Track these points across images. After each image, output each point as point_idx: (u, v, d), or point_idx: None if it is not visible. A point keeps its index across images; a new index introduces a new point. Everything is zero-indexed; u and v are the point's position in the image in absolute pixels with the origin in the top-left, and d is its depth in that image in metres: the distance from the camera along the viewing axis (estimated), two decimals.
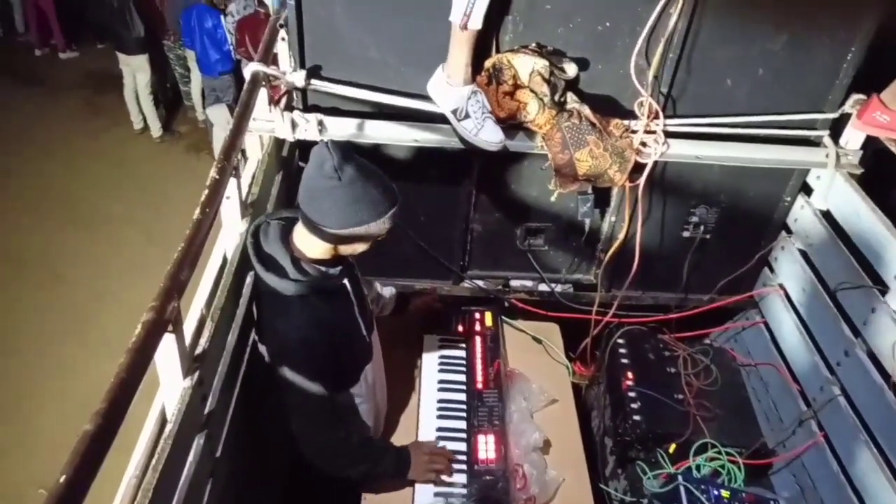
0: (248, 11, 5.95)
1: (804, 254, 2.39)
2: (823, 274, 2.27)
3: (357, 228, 1.54)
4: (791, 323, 2.41)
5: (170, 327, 1.19)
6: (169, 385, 1.30)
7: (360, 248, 1.65)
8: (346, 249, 1.64)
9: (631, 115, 2.16)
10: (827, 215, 2.32)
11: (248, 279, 1.76)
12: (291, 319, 1.62)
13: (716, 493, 1.97)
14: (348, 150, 1.52)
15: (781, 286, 2.50)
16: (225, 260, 1.70)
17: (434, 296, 2.46)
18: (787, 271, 2.48)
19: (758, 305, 2.65)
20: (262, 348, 1.73)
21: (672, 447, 2.15)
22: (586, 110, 2.08)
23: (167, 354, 1.24)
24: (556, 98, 2.04)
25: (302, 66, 2.03)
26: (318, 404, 1.69)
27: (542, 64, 1.98)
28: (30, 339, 4.58)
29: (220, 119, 5.82)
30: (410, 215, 2.34)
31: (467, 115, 1.95)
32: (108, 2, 6.05)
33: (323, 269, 1.66)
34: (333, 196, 1.51)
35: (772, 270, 2.58)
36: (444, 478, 1.94)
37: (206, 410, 1.44)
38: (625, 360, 2.39)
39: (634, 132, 2.15)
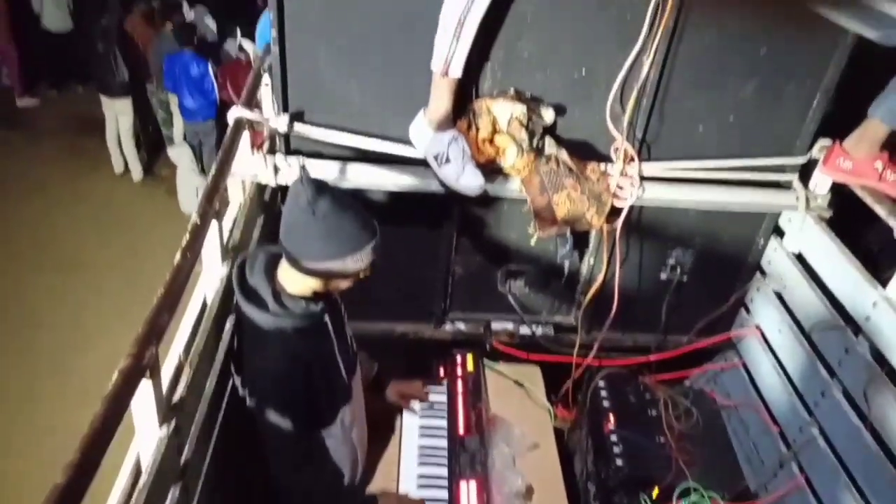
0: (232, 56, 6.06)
1: (779, 295, 2.43)
2: (798, 315, 2.31)
3: (332, 263, 1.55)
4: (769, 364, 2.43)
5: (147, 374, 1.17)
6: (144, 434, 1.27)
7: (341, 284, 1.65)
8: (327, 285, 1.64)
9: (607, 160, 2.21)
10: (799, 257, 2.37)
11: (228, 324, 1.74)
12: (267, 352, 1.61)
13: None
14: (323, 185, 1.52)
15: (758, 327, 2.54)
16: (205, 304, 1.69)
17: (417, 389, 2.32)
18: (763, 313, 2.52)
19: (735, 347, 2.67)
20: (238, 380, 1.72)
21: (655, 491, 2.14)
22: (564, 155, 2.12)
23: (144, 402, 1.21)
24: (535, 143, 2.09)
25: (285, 110, 2.06)
26: (288, 440, 1.67)
27: (520, 110, 2.03)
28: (5, 388, 4.43)
29: (183, 160, 5.76)
30: (391, 258, 2.32)
31: (448, 160, 1.98)
32: (94, 47, 6.10)
33: (304, 303, 1.65)
34: (308, 229, 1.52)
35: (748, 312, 2.62)
36: None
37: (183, 460, 1.40)
38: (606, 403, 2.39)
39: (611, 176, 2.19)
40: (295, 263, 1.58)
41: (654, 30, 1.95)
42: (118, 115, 6.51)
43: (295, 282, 1.63)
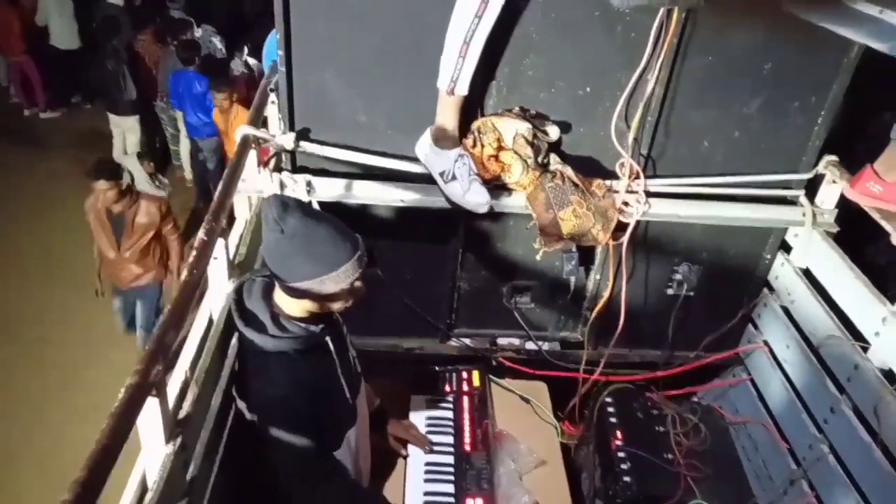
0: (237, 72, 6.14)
1: (786, 311, 2.42)
2: (806, 331, 2.29)
3: (310, 283, 1.51)
4: (777, 380, 2.41)
5: (154, 391, 1.17)
6: (151, 451, 1.27)
7: (332, 304, 1.61)
8: (314, 305, 1.60)
9: (613, 176, 2.21)
10: (807, 272, 2.36)
11: (234, 340, 1.74)
12: (269, 376, 1.59)
13: None
14: (290, 202, 1.49)
15: (766, 343, 2.52)
16: (210, 321, 1.69)
17: (414, 436, 2.21)
18: (771, 328, 2.50)
19: (744, 362, 2.66)
20: (242, 405, 1.68)
21: None
22: (569, 171, 2.13)
23: (150, 419, 1.21)
24: (540, 160, 2.09)
25: (291, 128, 2.07)
26: (301, 461, 1.64)
27: (525, 127, 2.04)
28: (14, 403, 4.43)
29: (136, 172, 5.56)
30: (397, 273, 2.35)
31: (454, 178, 1.99)
32: (104, 65, 6.18)
33: (303, 325, 1.63)
34: (280, 249, 1.50)
35: (756, 327, 2.60)
36: None
37: (189, 477, 1.40)
38: (613, 420, 2.37)
39: (616, 192, 2.20)
40: (280, 283, 1.56)
41: (659, 48, 1.96)
42: (126, 132, 6.59)
43: (289, 304, 1.61)
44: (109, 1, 7.01)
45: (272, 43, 3.50)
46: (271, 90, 2.24)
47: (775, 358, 2.46)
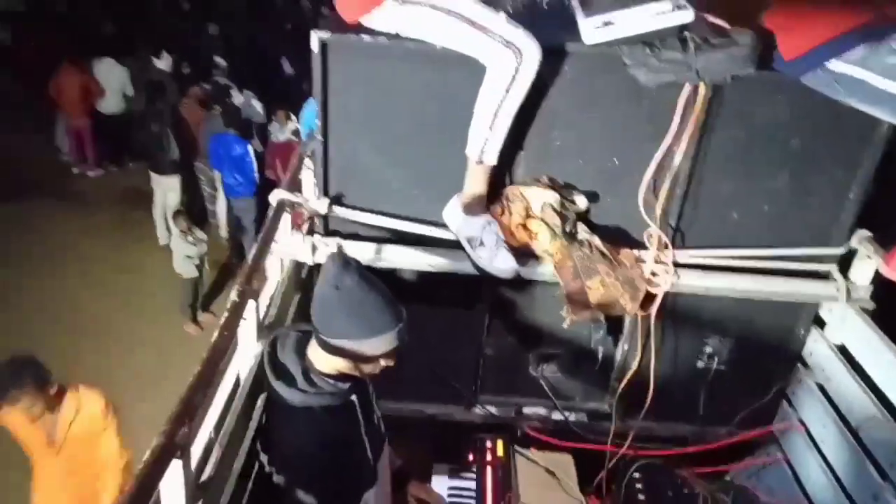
0: (283, 138, 6.40)
1: (822, 388, 2.34)
2: (843, 410, 2.21)
3: (350, 343, 1.54)
4: (814, 461, 2.31)
5: (178, 453, 1.18)
6: None
7: (364, 367, 1.63)
8: (351, 368, 1.62)
9: (641, 246, 2.21)
10: (842, 349, 2.29)
11: (259, 402, 1.75)
12: (293, 430, 1.61)
13: None
14: (350, 262, 1.54)
15: (801, 421, 2.43)
16: (237, 382, 1.70)
17: (438, 500, 2.18)
18: (807, 406, 2.42)
19: (778, 441, 2.55)
20: (264, 458, 1.69)
21: None
22: (597, 241, 2.14)
23: (173, 482, 1.21)
24: (568, 229, 2.11)
25: (325, 194, 2.14)
26: None
27: (553, 196, 2.07)
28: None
29: (175, 229, 5.89)
30: (423, 338, 2.33)
31: (482, 244, 2.01)
32: (148, 127, 6.48)
33: (331, 382, 1.64)
34: (331, 304, 1.53)
35: (790, 405, 2.51)
36: None
37: None
38: (641, 497, 2.29)
39: (644, 262, 2.19)
40: (318, 337, 1.59)
41: (686, 121, 2.00)
42: (167, 191, 6.83)
43: (322, 360, 1.63)
44: (158, 67, 7.41)
45: (310, 112, 3.65)
46: (307, 156, 2.32)
47: (812, 438, 2.36)
